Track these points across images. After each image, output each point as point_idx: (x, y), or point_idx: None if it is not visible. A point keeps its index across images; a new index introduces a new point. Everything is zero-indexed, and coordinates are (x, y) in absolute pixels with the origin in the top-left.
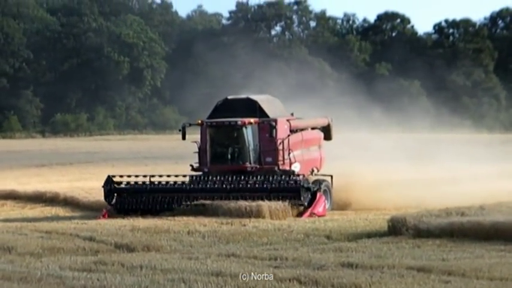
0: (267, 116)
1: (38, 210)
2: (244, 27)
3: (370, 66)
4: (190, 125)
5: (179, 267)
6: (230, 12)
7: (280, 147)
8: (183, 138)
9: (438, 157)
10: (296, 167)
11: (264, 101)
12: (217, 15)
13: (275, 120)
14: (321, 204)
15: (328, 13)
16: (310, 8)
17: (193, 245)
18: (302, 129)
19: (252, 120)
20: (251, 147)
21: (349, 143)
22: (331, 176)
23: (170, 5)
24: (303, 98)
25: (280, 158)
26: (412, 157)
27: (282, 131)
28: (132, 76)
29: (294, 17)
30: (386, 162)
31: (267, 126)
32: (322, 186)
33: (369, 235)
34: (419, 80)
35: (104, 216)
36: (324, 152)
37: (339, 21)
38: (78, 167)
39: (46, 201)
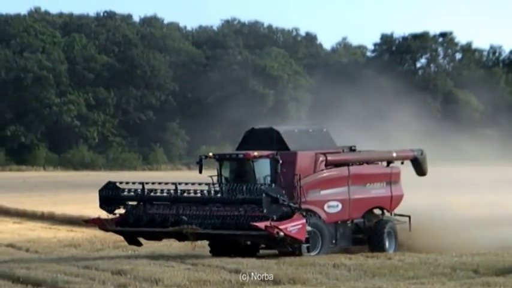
0: (287, 148)
1: (184, 243)
2: (388, 59)
3: None
4: (206, 157)
5: None
6: (375, 45)
7: (300, 183)
8: (200, 171)
9: None
10: (331, 207)
11: (288, 131)
12: (361, 48)
13: (294, 154)
14: (296, 225)
15: (474, 45)
16: (456, 40)
17: (339, 278)
18: (359, 163)
19: (257, 153)
20: (261, 182)
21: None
22: (409, 217)
23: (315, 38)
24: (448, 131)
25: (297, 195)
26: None
27: (304, 165)
28: (277, 108)
29: (440, 49)
30: None
31: (285, 160)
32: (386, 228)
33: None
34: None
35: (93, 221)
36: (399, 189)
37: (485, 53)
38: None
39: None
